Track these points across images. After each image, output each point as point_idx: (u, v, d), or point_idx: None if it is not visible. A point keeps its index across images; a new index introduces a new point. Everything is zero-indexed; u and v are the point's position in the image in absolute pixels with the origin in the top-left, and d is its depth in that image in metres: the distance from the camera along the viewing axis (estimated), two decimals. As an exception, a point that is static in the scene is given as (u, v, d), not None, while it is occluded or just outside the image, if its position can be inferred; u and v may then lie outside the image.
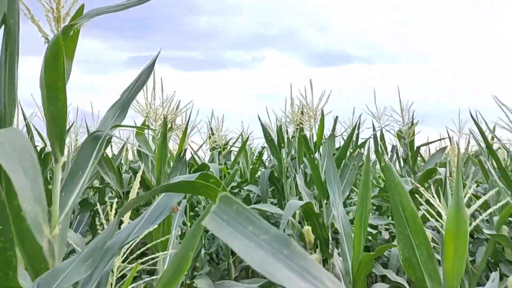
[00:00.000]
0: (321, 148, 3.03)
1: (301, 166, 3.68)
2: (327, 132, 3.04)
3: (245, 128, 5.48)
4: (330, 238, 2.73)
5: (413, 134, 3.93)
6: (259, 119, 4.23)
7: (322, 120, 2.82)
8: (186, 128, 2.86)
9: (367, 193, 2.21)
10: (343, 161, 2.91)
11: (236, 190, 4.90)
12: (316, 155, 3.00)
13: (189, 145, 3.78)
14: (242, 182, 5.05)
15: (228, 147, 5.20)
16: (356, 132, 3.13)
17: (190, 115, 2.83)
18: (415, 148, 3.95)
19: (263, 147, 5.20)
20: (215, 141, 5.05)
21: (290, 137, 4.51)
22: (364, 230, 1.93)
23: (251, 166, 5.30)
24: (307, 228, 3.35)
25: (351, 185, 2.87)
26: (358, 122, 3.00)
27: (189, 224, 3.17)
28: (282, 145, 4.26)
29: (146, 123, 2.44)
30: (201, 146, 3.62)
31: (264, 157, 6.16)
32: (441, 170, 3.44)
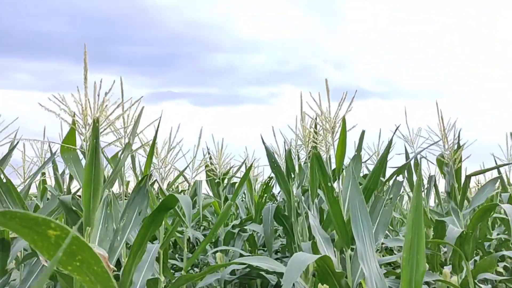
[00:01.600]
0: (342, 174, 2.17)
1: (315, 199, 2.81)
2: (349, 153, 2.18)
3: (250, 155, 4.61)
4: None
5: (460, 160, 3.02)
6: (262, 140, 3.39)
7: (343, 133, 1.96)
8: (153, 143, 2.04)
9: (419, 244, 1.36)
10: (373, 193, 2.04)
11: (236, 230, 4.02)
12: (336, 185, 2.13)
13: (175, 168, 2.96)
14: (247, 220, 4.18)
15: (229, 176, 4.34)
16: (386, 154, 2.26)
17: (158, 128, 2.00)
18: (463, 177, 3.04)
19: (271, 177, 4.35)
20: (213, 170, 4.20)
21: (303, 163, 3.66)
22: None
23: (257, 200, 4.44)
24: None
25: (386, 227, 1.99)
26: (390, 141, 2.13)
27: None
28: (292, 174, 3.41)
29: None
30: (182, 171, 2.76)
31: (278, 189, 5.29)
32: (507, 207, 2.52)
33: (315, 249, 2.51)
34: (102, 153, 1.52)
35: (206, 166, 4.24)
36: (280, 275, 3.05)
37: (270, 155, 3.39)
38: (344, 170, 2.19)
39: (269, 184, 4.35)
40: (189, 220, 1.84)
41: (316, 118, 2.38)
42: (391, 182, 2.25)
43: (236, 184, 4.68)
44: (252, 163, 4.22)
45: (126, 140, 1.96)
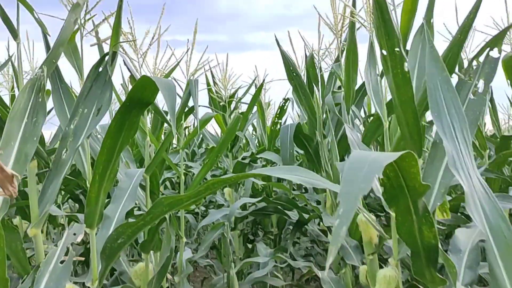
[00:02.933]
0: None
1: (351, 108, 2.12)
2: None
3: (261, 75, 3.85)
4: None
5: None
6: (278, 43, 2.66)
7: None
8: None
9: None
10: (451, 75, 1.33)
11: (247, 161, 3.38)
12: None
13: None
14: (259, 152, 3.54)
15: (236, 99, 3.64)
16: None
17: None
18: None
19: (287, 99, 3.65)
20: (217, 92, 3.51)
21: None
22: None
23: (269, 128, 3.78)
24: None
25: (475, 126, 1.30)
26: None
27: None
28: (315, 86, 2.71)
29: None
30: (174, 66, 2.01)
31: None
32: None
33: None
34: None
35: (209, 90, 3.55)
36: (300, 210, 2.42)
37: (287, 63, 2.68)
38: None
39: (284, 108, 3.65)
40: (174, 118, 1.17)
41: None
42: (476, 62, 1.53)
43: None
44: (263, 81, 3.49)
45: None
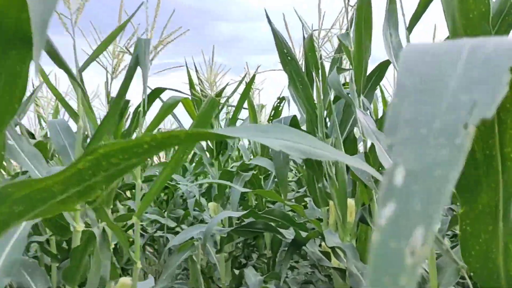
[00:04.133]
0: None
1: (364, 92, 1.60)
2: None
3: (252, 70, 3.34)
4: None
5: None
6: (268, 18, 2.15)
7: None
8: None
9: None
10: None
11: (234, 169, 2.85)
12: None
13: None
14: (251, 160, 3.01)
15: (224, 98, 3.11)
16: None
17: None
18: None
19: (282, 98, 3.13)
20: (202, 91, 3.00)
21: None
22: None
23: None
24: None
25: None
26: None
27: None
28: (313, 73, 2.19)
29: None
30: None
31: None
32: None
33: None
34: None
35: (191, 85, 3.03)
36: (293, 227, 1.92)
37: (280, 43, 2.17)
38: None
39: (279, 108, 3.13)
40: (39, 38, 0.67)
41: None
42: None
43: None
44: (254, 74, 2.98)
45: None
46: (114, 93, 1.85)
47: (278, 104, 3.10)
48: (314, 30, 2.20)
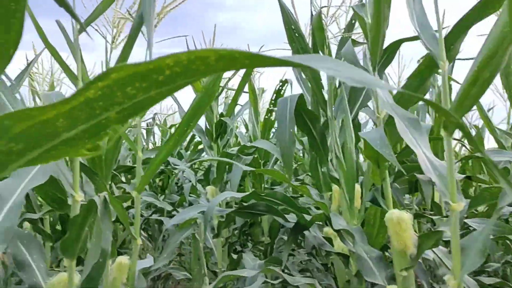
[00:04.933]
0: None
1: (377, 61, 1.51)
2: None
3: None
4: None
5: None
6: (276, -8, 2.07)
7: None
8: None
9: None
10: None
11: (234, 152, 2.77)
12: None
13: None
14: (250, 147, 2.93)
15: (224, 89, 3.02)
16: None
17: None
18: None
19: (284, 81, 3.05)
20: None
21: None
22: None
23: (262, 118, 3.16)
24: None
25: None
26: None
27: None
28: (321, 51, 2.11)
29: None
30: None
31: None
32: None
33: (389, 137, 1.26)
34: None
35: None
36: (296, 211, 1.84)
37: (288, 20, 2.08)
38: None
39: (282, 92, 3.05)
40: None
41: None
42: None
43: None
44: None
45: None
46: (113, 64, 1.77)
47: (280, 88, 3.01)
48: (323, 7, 2.12)
